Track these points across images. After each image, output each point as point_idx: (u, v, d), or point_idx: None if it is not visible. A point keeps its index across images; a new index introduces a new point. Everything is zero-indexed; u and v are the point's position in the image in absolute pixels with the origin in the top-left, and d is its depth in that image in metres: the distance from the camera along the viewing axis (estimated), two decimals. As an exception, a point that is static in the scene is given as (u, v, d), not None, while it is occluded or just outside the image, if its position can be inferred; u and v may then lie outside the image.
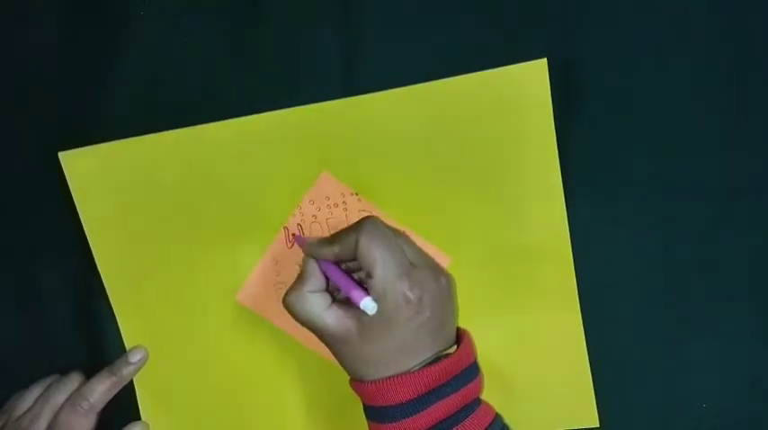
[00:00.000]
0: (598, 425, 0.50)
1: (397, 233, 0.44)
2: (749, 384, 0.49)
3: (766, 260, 0.48)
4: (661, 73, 0.48)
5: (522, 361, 0.50)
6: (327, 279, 0.44)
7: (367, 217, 0.43)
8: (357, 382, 0.43)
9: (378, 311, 0.40)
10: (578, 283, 0.49)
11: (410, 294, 0.40)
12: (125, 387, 0.52)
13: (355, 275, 0.44)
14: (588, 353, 0.49)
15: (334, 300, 0.44)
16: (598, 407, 0.50)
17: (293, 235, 0.51)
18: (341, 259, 0.43)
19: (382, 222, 0.43)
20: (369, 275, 0.41)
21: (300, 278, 0.44)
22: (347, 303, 0.43)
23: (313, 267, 0.44)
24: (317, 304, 0.42)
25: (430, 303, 0.41)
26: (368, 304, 0.40)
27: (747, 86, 0.48)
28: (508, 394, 0.50)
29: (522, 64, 0.47)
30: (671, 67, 0.48)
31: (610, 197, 0.49)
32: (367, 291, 0.41)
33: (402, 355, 0.41)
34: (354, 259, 0.42)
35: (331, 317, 0.42)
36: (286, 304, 0.43)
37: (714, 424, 0.49)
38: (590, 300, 0.49)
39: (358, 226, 0.42)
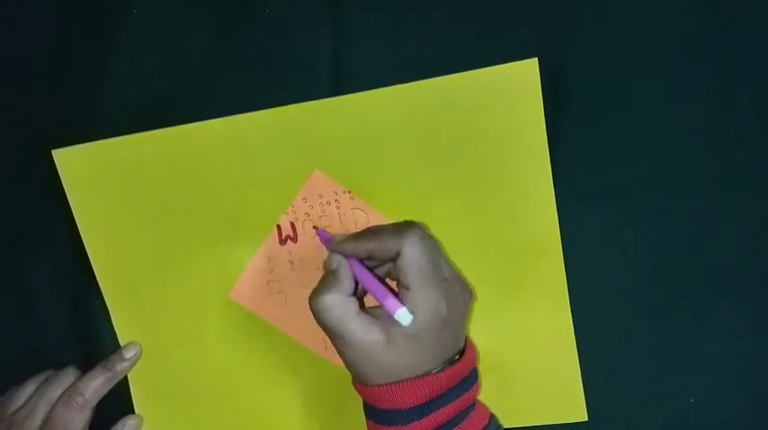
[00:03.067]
0: (587, 419, 0.50)
1: (437, 244, 0.43)
2: (736, 380, 0.49)
3: (753, 259, 0.49)
4: (650, 73, 0.48)
5: (512, 356, 0.51)
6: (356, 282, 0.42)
7: (412, 224, 0.41)
8: (362, 385, 0.42)
9: (410, 323, 0.39)
10: (568, 280, 0.49)
11: (443, 310, 0.40)
12: (119, 382, 0.53)
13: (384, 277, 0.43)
14: (577, 349, 0.50)
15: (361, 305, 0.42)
16: (587, 402, 0.50)
17: (315, 228, 0.51)
18: (372, 258, 0.42)
19: (429, 233, 0.42)
20: (406, 286, 0.40)
21: (332, 280, 0.41)
22: (372, 310, 0.42)
23: (345, 269, 0.42)
24: (345, 310, 0.40)
25: (454, 318, 0.41)
26: (403, 315, 0.39)
27: (735, 88, 0.48)
28: (498, 388, 0.50)
29: (512, 63, 0.47)
30: (660, 67, 0.48)
31: (599, 196, 0.49)
32: (402, 301, 0.39)
33: (416, 365, 0.41)
34: (386, 261, 0.41)
35: (358, 324, 0.40)
36: (313, 305, 0.41)
37: (701, 419, 0.50)
38: (580, 297, 0.49)
39: (403, 233, 0.40)
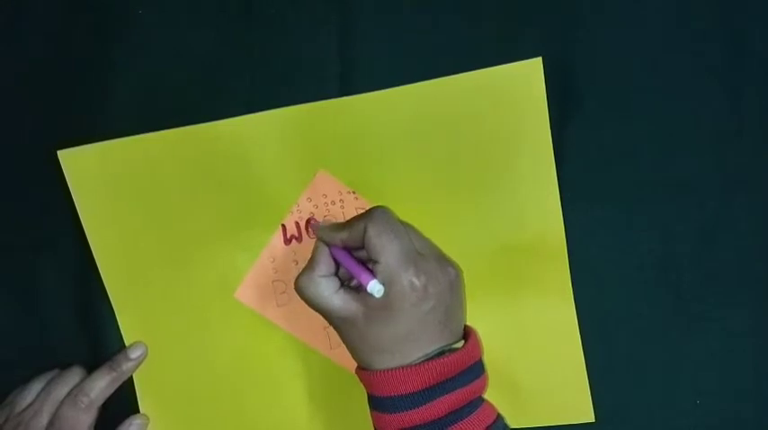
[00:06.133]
0: (594, 420, 0.50)
1: (405, 224, 0.44)
2: (743, 382, 0.49)
3: (760, 259, 0.48)
4: (656, 73, 0.48)
5: (518, 357, 0.51)
6: (338, 265, 0.45)
7: (376, 206, 0.44)
8: (363, 371, 0.43)
9: (383, 295, 0.41)
10: (573, 280, 0.49)
11: (416, 281, 0.41)
12: (125, 382, 0.53)
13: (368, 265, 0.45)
14: (583, 350, 0.49)
15: (344, 286, 0.44)
16: (594, 403, 0.50)
17: (309, 221, 0.51)
18: (349, 245, 0.44)
19: (391, 212, 0.44)
20: (375, 261, 0.42)
21: (311, 263, 0.45)
22: (356, 290, 0.44)
23: (323, 252, 0.45)
24: (325, 287, 0.43)
25: (435, 292, 0.42)
26: (374, 286, 0.41)
27: (742, 88, 0.48)
28: (504, 389, 0.50)
29: (517, 63, 0.47)
30: (666, 67, 0.48)
31: (605, 196, 0.49)
32: (375, 275, 0.42)
33: (407, 344, 0.42)
34: (362, 247, 0.43)
35: (338, 299, 0.43)
36: (297, 287, 0.44)
37: (708, 420, 0.49)
38: (585, 297, 0.49)
39: (367, 214, 0.43)
